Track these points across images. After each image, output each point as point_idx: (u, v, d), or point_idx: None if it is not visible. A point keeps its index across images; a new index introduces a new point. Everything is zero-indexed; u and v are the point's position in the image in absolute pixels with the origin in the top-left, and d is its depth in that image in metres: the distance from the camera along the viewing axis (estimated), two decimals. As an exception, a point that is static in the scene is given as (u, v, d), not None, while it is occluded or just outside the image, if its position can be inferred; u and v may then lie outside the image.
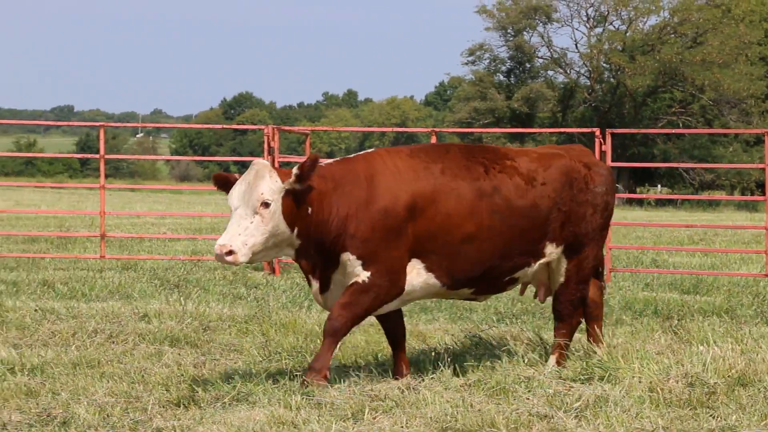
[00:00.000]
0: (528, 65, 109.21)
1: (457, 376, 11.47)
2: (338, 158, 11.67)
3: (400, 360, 11.72)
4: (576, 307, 12.21)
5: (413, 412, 9.99)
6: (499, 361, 12.07)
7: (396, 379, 11.36)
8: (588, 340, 12.46)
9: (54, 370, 11.93)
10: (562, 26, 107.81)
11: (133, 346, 13.53)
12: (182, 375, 11.60)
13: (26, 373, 11.82)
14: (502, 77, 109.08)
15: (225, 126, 26.83)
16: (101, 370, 12.01)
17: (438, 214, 11.27)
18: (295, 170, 10.83)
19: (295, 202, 10.91)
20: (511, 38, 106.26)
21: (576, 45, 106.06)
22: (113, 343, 13.71)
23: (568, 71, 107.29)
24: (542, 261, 11.94)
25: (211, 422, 9.74)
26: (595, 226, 12.06)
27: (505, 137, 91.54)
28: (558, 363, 11.92)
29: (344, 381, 11.26)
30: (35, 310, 15.80)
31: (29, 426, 9.63)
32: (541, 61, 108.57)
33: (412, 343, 12.97)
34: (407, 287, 11.31)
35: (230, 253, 10.57)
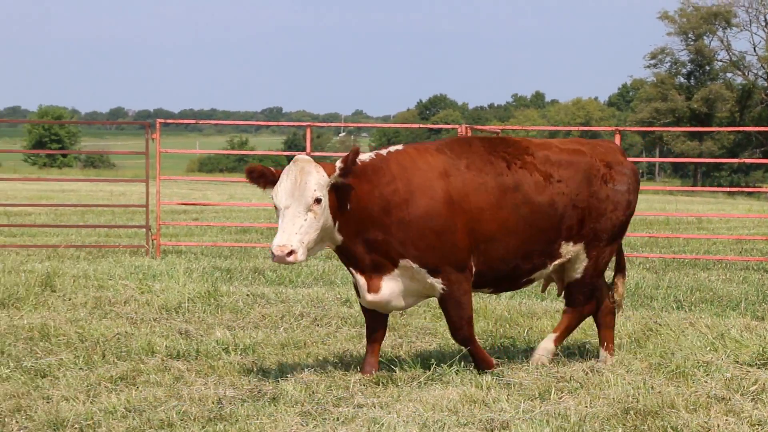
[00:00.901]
0: (707, 68, 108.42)
1: (639, 360, 11.39)
2: (370, 154, 10.86)
3: (374, 356, 10.97)
4: (589, 297, 11.58)
5: (597, 393, 9.94)
6: (678, 347, 11.94)
7: (367, 373, 10.76)
8: (600, 346, 11.74)
9: (264, 350, 12.09)
10: (741, 30, 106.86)
11: (336, 328, 13.64)
12: (381, 356, 11.66)
13: (239, 352, 12.00)
14: (682, 79, 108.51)
15: (420, 125, 26.79)
16: (307, 351, 12.15)
17: (473, 208, 10.70)
18: (338, 163, 10.29)
19: (338, 196, 10.35)
20: (692, 42, 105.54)
21: (754, 48, 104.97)
22: (318, 325, 13.84)
23: (746, 73, 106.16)
24: (558, 262, 11.33)
25: (407, 400, 9.78)
26: (616, 223, 11.43)
27: (684, 135, 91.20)
28: (555, 344, 11.46)
29: (531, 362, 11.27)
30: (247, 295, 15.98)
31: (242, 401, 9.77)
32: (720, 63, 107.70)
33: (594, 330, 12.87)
34: None
35: (291, 253, 10.03)
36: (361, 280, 10.68)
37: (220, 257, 22.19)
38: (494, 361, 10.97)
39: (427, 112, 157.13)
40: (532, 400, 9.73)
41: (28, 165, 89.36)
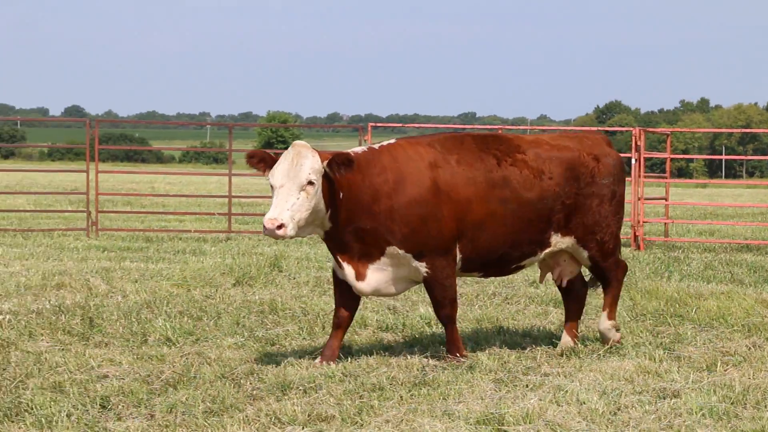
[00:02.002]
0: None
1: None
2: (363, 147, 10.32)
3: (335, 348, 10.18)
4: (615, 269, 10.94)
5: (759, 366, 9.74)
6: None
7: (325, 361, 9.98)
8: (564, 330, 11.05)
9: (461, 325, 12.05)
10: None
11: (524, 306, 13.58)
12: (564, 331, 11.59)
13: (440, 326, 12.00)
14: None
15: (597, 128, 26.46)
16: (499, 326, 12.12)
17: (462, 199, 10.09)
18: (326, 164, 9.68)
19: (330, 185, 9.78)
20: None
21: None
22: (508, 304, 13.79)
23: None
24: (548, 250, 10.67)
25: (588, 370, 9.70)
26: (604, 215, 10.73)
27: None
28: (610, 317, 10.90)
29: (698, 338, 11.09)
30: (446, 276, 16.02)
31: (443, 368, 9.76)
32: None
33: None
34: None
35: (281, 226, 9.48)
36: (348, 268, 10.04)
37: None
38: (464, 351, 10.24)
39: (604, 116, 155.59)
40: (699, 372, 9.57)
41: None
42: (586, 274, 11.30)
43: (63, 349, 10.53)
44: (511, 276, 16.23)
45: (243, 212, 28.52)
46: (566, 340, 10.89)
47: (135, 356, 10.28)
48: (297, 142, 9.84)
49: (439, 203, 10.01)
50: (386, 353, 10.51)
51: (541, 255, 10.70)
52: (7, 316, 11.97)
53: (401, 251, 9.98)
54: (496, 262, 10.53)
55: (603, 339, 10.95)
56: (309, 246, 20.77)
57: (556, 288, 11.29)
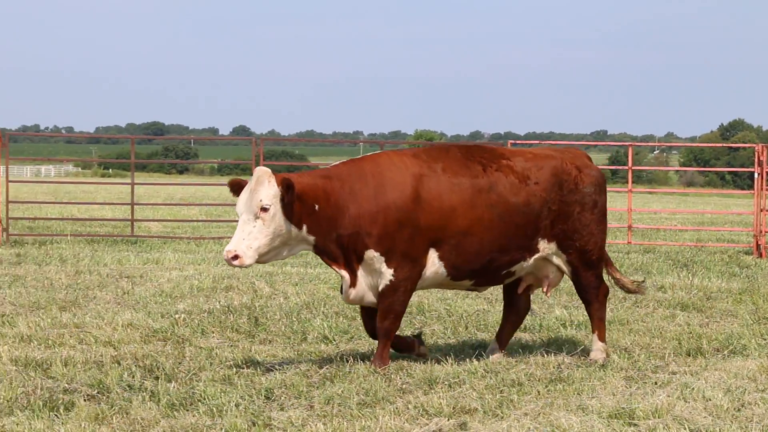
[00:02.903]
0: None
1: None
2: (346, 159, 9.85)
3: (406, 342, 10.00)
4: (596, 286, 10.17)
5: None
6: None
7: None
8: (495, 339, 10.36)
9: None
10: None
11: (653, 309, 13.36)
12: (690, 333, 11.38)
13: (574, 327, 11.87)
14: None
15: (722, 144, 25.95)
16: (629, 327, 11.93)
17: (444, 207, 9.52)
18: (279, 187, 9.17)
19: (303, 202, 9.27)
20: None
21: None
22: (637, 307, 13.57)
23: None
24: (537, 256, 9.99)
25: (713, 369, 9.53)
26: (585, 223, 10.03)
27: None
28: (600, 338, 10.16)
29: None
30: (579, 281, 15.89)
31: (577, 366, 9.67)
32: None
33: None
34: (424, 275, 9.68)
35: (235, 257, 9.06)
36: (345, 275, 9.55)
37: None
38: (386, 365, 9.51)
39: (727, 133, 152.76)
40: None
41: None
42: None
43: (231, 346, 10.68)
44: (640, 279, 16.08)
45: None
46: (494, 348, 10.26)
47: (296, 352, 10.39)
48: (258, 168, 9.31)
49: (417, 211, 9.48)
50: (524, 352, 10.44)
51: (531, 261, 10.02)
52: (182, 315, 12.18)
53: (376, 253, 9.44)
54: (485, 268, 9.84)
55: (592, 358, 10.09)
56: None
57: (656, 292, 10.95)
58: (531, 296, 10.53)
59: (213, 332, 11.42)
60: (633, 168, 24.11)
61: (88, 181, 58.88)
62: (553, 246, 10.04)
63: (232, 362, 9.73)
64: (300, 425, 7.63)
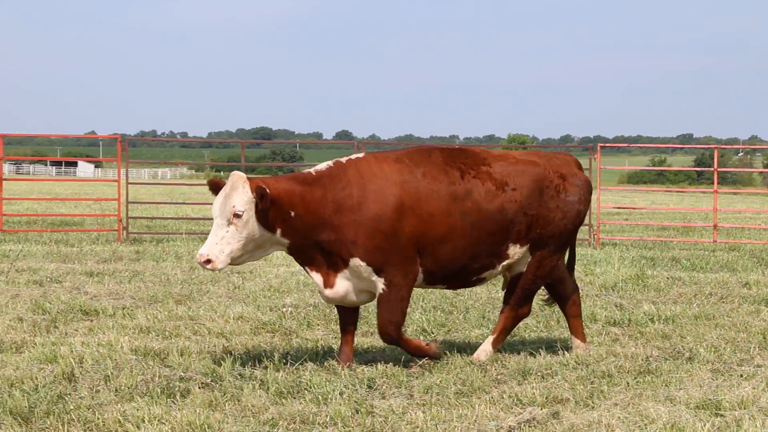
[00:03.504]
0: None
1: None
2: (329, 162, 9.28)
3: (349, 350, 9.39)
4: (527, 300, 9.70)
5: None
6: None
7: (342, 364, 9.15)
8: (571, 335, 10.03)
9: (681, 321, 11.80)
10: None
11: (738, 305, 13.13)
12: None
13: (662, 321, 11.75)
14: None
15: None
16: (715, 322, 11.74)
17: (424, 213, 9.04)
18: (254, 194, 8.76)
19: (272, 207, 8.80)
20: None
21: None
22: (723, 302, 13.36)
23: None
24: (506, 263, 9.50)
25: (798, 362, 9.36)
26: (563, 231, 9.54)
27: None
28: (494, 346, 9.62)
29: None
30: (667, 278, 15.67)
31: (665, 359, 9.57)
32: None
33: None
34: None
35: (208, 261, 8.69)
36: (317, 277, 9.13)
37: (645, 248, 21.82)
38: (432, 346, 9.28)
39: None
40: None
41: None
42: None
43: (335, 338, 10.72)
44: (726, 276, 15.86)
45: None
46: (577, 344, 9.94)
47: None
48: (233, 173, 8.89)
49: (402, 220, 9.00)
50: (614, 345, 10.33)
51: (499, 267, 9.53)
52: (290, 309, 12.27)
53: (363, 263, 8.99)
54: (458, 275, 9.40)
55: (474, 357, 9.58)
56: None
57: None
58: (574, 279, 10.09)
59: (318, 325, 11.49)
60: (718, 170, 23.73)
61: (201, 182, 59.57)
62: (524, 249, 9.53)
63: (335, 353, 9.77)
64: (400, 413, 7.64)
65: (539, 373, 8.92)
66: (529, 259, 9.58)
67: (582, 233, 25.30)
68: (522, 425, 7.26)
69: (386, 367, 9.13)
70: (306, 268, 9.20)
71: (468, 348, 10.06)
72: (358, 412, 7.61)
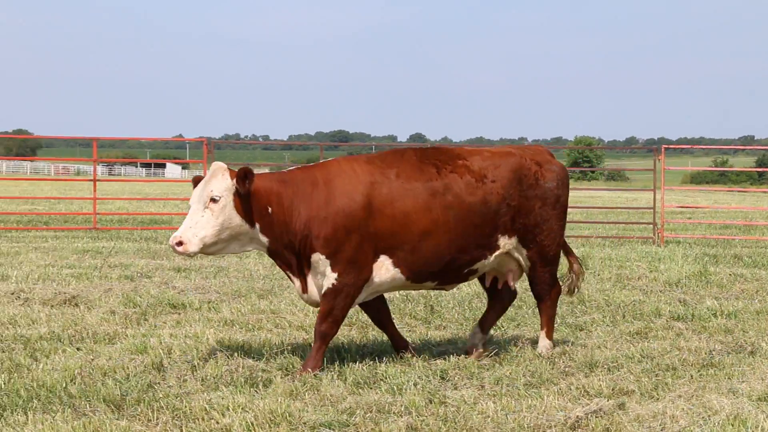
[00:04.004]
0: None
1: None
2: (299, 165, 9.10)
3: (396, 336, 9.31)
4: (551, 284, 9.45)
5: None
6: None
7: (400, 353, 9.15)
8: (478, 324, 9.54)
9: (743, 316, 11.63)
10: None
11: (800, 301, 12.94)
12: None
13: (724, 317, 11.59)
14: None
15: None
16: (777, 317, 11.59)
17: (397, 214, 8.65)
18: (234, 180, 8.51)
19: (251, 200, 8.52)
20: None
21: None
22: (785, 298, 13.18)
23: None
24: (497, 253, 9.14)
25: None
26: (546, 218, 9.24)
27: None
28: (547, 336, 9.48)
29: None
30: (729, 274, 15.46)
31: (727, 353, 9.44)
32: None
33: None
34: (377, 281, 8.74)
35: (180, 243, 8.34)
36: (297, 282, 8.80)
37: (708, 246, 21.53)
38: (317, 369, 8.60)
39: None
40: None
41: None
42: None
43: (410, 330, 10.72)
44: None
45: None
46: (476, 332, 9.52)
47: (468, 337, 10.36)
48: (214, 163, 8.65)
49: (368, 219, 8.62)
50: (678, 339, 10.21)
51: (491, 258, 9.17)
52: (366, 303, 12.30)
53: (322, 256, 8.59)
54: (446, 269, 8.98)
55: (539, 352, 9.43)
56: (610, 248, 20.43)
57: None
58: (515, 284, 9.65)
59: (393, 318, 11.47)
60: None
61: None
62: (513, 241, 9.21)
63: (410, 345, 9.76)
64: (472, 403, 7.61)
65: (605, 366, 8.85)
66: (527, 253, 9.30)
67: (646, 231, 25.07)
68: (589, 416, 7.20)
69: (458, 359, 9.11)
70: (288, 273, 8.85)
71: (537, 342, 10.00)
72: (431, 402, 7.60)
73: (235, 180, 8.48)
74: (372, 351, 9.48)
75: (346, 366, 8.72)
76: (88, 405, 7.41)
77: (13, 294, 12.78)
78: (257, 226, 8.61)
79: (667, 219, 25.49)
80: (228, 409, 7.26)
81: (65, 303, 12.16)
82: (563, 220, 9.48)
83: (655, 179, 24.31)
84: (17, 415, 7.12)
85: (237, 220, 8.52)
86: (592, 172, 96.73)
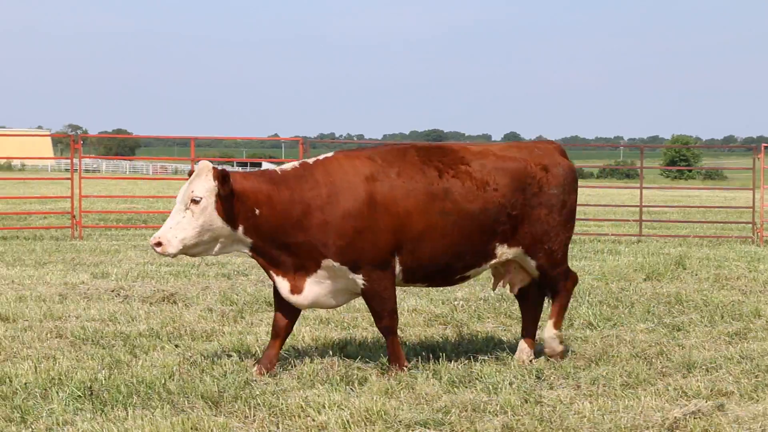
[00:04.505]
0: None
1: None
2: (294, 163, 8.62)
3: (274, 349, 8.64)
4: (564, 279, 9.05)
5: None
6: None
7: (261, 370, 8.47)
8: (522, 337, 9.24)
9: None
10: None
11: None
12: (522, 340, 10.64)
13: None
14: None
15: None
16: None
17: (400, 211, 8.34)
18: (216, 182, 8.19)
19: (235, 201, 8.19)
20: None
21: None
22: None
23: None
24: (494, 261, 8.82)
25: None
26: (554, 225, 8.87)
27: None
28: (556, 326, 9.06)
29: None
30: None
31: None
32: None
33: None
34: None
35: (159, 244, 8.09)
36: (283, 282, 8.42)
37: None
38: (405, 363, 8.52)
39: None
40: None
41: (663, 177, 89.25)
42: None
43: (505, 330, 10.68)
44: None
45: (651, 219, 27.96)
46: (522, 347, 9.16)
47: (564, 337, 10.29)
48: (201, 161, 8.36)
49: (375, 216, 8.31)
50: (779, 340, 10.01)
51: (486, 266, 8.87)
52: (461, 302, 12.28)
53: (337, 264, 8.32)
54: (439, 273, 8.72)
55: (545, 347, 9.12)
56: (708, 248, 20.11)
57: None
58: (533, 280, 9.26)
59: (488, 318, 11.46)
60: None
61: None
62: (516, 251, 8.87)
63: (505, 345, 9.73)
64: (568, 403, 7.56)
65: (704, 367, 8.71)
66: (536, 263, 8.97)
67: (745, 231, 24.60)
68: (687, 417, 7.10)
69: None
70: (270, 272, 8.48)
71: (633, 342, 9.88)
72: (527, 402, 7.57)
73: (216, 184, 8.19)
74: (467, 350, 9.46)
75: (441, 365, 8.72)
76: (186, 401, 7.52)
77: (113, 291, 13.04)
78: (240, 228, 8.29)
79: (766, 218, 24.99)
80: (324, 407, 7.31)
81: (164, 300, 12.36)
82: (571, 222, 9.12)
83: (755, 178, 23.83)
84: (117, 410, 7.26)
85: (218, 222, 8.22)
86: (689, 171, 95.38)
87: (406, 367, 8.51)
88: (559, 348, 9.12)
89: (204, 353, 9.21)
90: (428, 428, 6.95)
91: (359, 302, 12.19)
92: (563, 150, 9.27)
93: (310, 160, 8.56)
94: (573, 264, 16.31)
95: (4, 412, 7.18)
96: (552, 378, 8.39)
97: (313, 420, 7.05)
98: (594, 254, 18.87)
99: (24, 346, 9.66)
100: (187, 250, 8.24)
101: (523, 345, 9.18)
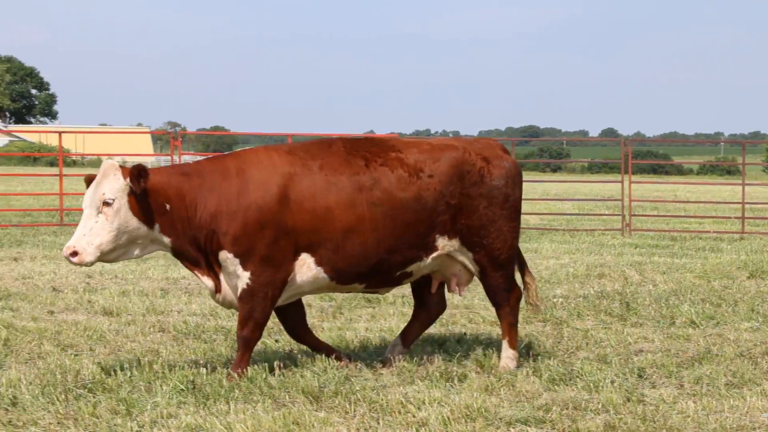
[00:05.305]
0: None
1: None
2: (213, 156, 8.37)
3: (319, 346, 8.64)
4: (507, 289, 8.50)
5: None
6: None
7: (337, 359, 8.47)
8: (400, 335, 8.87)
9: None
10: None
11: None
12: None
13: None
14: None
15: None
16: None
17: (318, 208, 7.93)
18: (128, 180, 7.84)
19: (147, 198, 7.84)
20: None
21: None
22: None
23: None
24: (435, 254, 8.30)
25: None
26: (493, 219, 8.32)
27: None
28: (511, 345, 8.54)
29: None
30: None
31: None
32: None
33: None
34: (298, 280, 8.06)
35: (75, 254, 7.68)
36: (207, 281, 8.12)
37: None
38: (244, 374, 8.02)
39: None
40: None
41: (765, 174, 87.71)
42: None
43: (605, 328, 10.57)
44: None
45: (755, 216, 27.42)
46: (396, 342, 8.85)
47: (665, 335, 10.15)
48: (104, 162, 8.02)
49: (285, 212, 7.92)
50: None
51: (428, 260, 8.36)
52: (560, 300, 12.19)
53: (230, 254, 7.93)
54: (375, 270, 8.23)
55: (500, 366, 8.55)
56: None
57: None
58: (446, 295, 9.01)
59: (588, 315, 11.35)
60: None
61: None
62: (455, 243, 8.39)
63: (606, 343, 9.64)
64: (671, 402, 7.46)
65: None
66: (474, 257, 8.46)
67: None
68: (795, 418, 6.94)
69: (655, 357, 8.94)
70: (195, 272, 8.19)
71: (738, 341, 9.70)
72: (629, 401, 7.48)
73: (128, 179, 7.87)
74: (567, 348, 9.39)
75: (540, 362, 8.66)
76: (287, 396, 7.59)
77: (214, 287, 13.20)
78: (157, 226, 7.99)
79: None
80: (424, 403, 7.32)
81: (264, 296, 12.47)
82: (515, 221, 8.57)
83: None
84: (220, 404, 7.35)
85: (134, 222, 7.91)
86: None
87: (241, 377, 8.01)
88: (514, 367, 8.54)
89: (304, 349, 9.28)
90: (529, 426, 6.91)
91: (457, 298, 12.18)
92: (504, 148, 8.78)
93: (229, 153, 8.30)
94: (673, 262, 16.08)
95: (110, 405, 7.33)
96: (654, 377, 8.28)
97: (414, 416, 7.06)
98: (695, 251, 18.58)
99: (128, 340, 9.85)
100: (104, 256, 7.91)
101: (396, 341, 8.89)
